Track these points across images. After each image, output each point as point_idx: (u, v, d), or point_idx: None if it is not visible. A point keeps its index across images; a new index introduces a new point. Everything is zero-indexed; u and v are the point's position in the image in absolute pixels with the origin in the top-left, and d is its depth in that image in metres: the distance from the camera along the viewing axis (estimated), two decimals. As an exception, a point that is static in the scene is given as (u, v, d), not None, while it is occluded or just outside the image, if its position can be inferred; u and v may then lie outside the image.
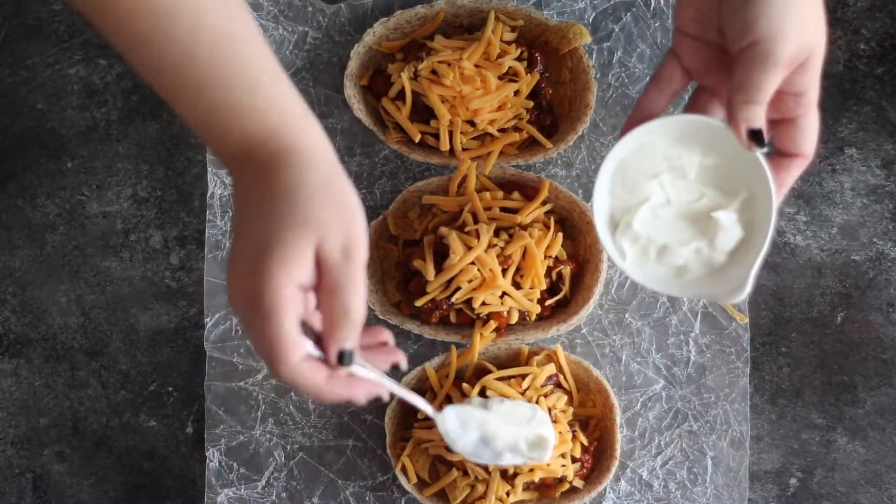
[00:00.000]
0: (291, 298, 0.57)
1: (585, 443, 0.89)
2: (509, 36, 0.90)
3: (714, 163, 0.71)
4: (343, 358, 0.60)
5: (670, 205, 0.72)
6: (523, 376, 0.88)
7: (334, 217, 0.58)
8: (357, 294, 0.59)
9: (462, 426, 0.80)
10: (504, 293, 0.87)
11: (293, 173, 0.59)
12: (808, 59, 0.65)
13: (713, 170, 0.71)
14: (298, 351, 0.58)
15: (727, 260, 0.72)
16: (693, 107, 0.72)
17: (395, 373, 0.65)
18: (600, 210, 0.72)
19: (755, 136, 0.65)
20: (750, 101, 0.64)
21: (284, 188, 0.58)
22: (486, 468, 0.86)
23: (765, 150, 0.66)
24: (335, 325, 0.59)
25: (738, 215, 0.71)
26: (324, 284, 0.59)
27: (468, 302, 0.88)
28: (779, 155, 0.69)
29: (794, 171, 0.69)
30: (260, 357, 0.58)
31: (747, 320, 0.93)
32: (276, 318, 0.57)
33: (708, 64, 0.70)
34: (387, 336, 0.66)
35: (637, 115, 0.71)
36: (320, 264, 0.59)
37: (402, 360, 0.65)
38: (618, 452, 0.89)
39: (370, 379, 0.63)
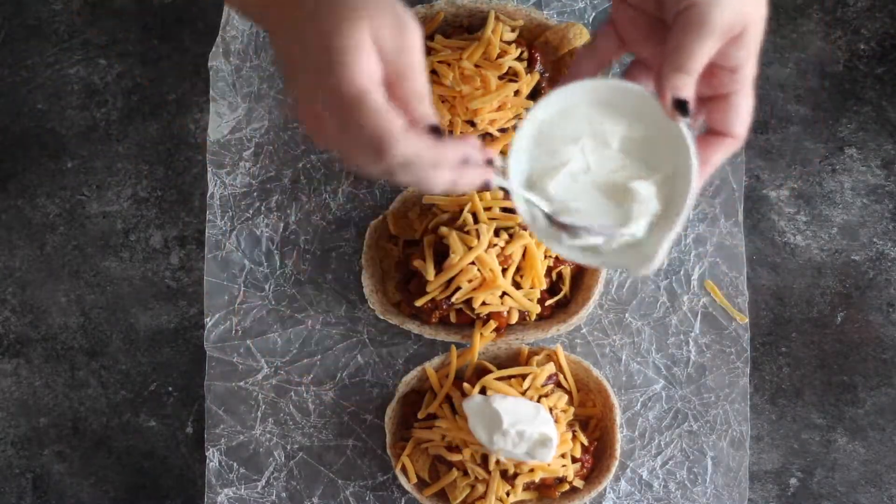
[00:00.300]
0: (375, 81, 0.56)
1: (586, 443, 0.89)
2: (509, 36, 0.90)
3: (640, 135, 0.69)
4: (435, 131, 0.59)
5: (589, 172, 0.70)
6: (524, 376, 0.88)
7: (380, 4, 0.57)
8: (420, 77, 0.58)
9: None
10: (504, 293, 0.87)
11: None
12: (744, 31, 0.63)
13: (638, 142, 0.69)
14: (401, 120, 0.57)
15: (644, 233, 0.70)
16: (626, 79, 0.71)
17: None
18: (516, 171, 0.70)
19: (680, 106, 0.63)
20: (680, 69, 0.63)
21: None
22: (486, 468, 0.86)
23: (688, 120, 0.65)
24: (416, 109, 0.59)
25: (658, 188, 0.68)
26: (387, 75, 0.58)
27: (468, 302, 0.88)
28: (709, 133, 0.67)
29: (723, 151, 0.67)
30: (366, 159, 0.57)
31: (747, 320, 0.93)
32: (370, 100, 0.56)
33: (645, 34, 0.68)
34: (470, 147, 0.62)
35: (565, 82, 0.69)
36: (379, 55, 0.57)
37: (497, 159, 0.63)
38: (618, 452, 0.89)
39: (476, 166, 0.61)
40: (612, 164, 0.69)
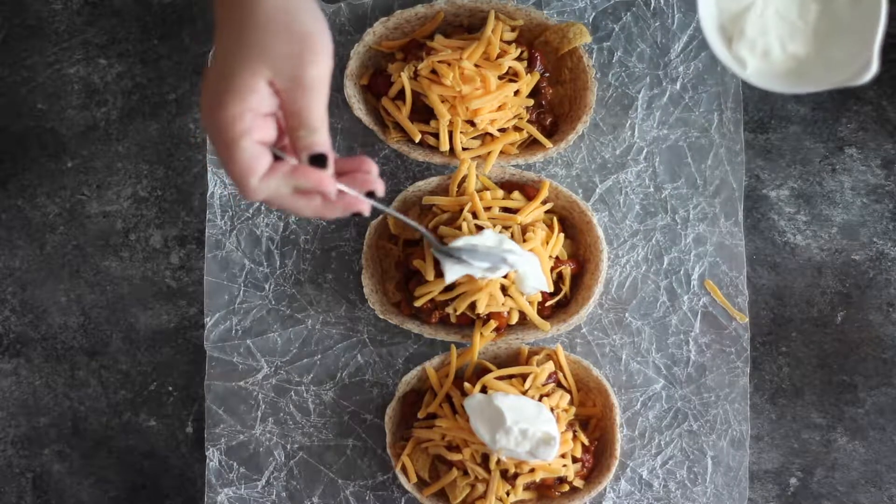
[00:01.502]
0: (248, 127, 0.63)
1: (586, 442, 0.89)
2: (509, 36, 0.90)
3: None
4: (316, 161, 0.66)
5: (770, 5, 0.73)
6: (524, 376, 0.88)
7: (282, 47, 0.64)
8: (311, 114, 0.65)
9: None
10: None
11: (246, 6, 0.64)
12: None
13: None
14: (256, 174, 0.65)
15: (841, 49, 0.72)
16: None
17: (373, 198, 0.70)
18: (710, 25, 0.73)
19: None
20: None
21: (238, 21, 0.64)
22: (486, 468, 0.86)
23: None
24: (297, 140, 0.65)
25: (851, 6, 0.71)
26: (283, 110, 0.65)
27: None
28: None
29: None
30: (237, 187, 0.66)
31: (747, 320, 0.93)
32: (234, 147, 0.63)
33: None
34: (370, 166, 0.70)
35: None
36: (276, 93, 0.65)
37: (379, 188, 0.70)
38: (618, 452, 0.89)
39: (350, 195, 0.68)
40: None
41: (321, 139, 0.65)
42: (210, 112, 0.64)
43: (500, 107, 0.89)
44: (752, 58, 0.76)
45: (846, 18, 0.73)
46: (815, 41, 0.75)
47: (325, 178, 0.66)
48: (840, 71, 0.73)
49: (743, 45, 0.75)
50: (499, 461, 0.86)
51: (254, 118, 0.64)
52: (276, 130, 0.67)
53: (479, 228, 0.87)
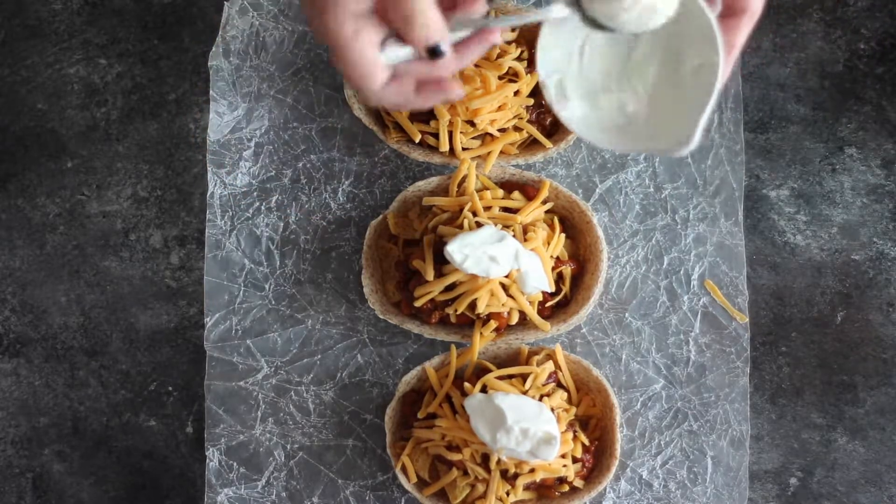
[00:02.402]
0: (358, 30, 0.61)
1: (587, 442, 0.89)
2: (509, 36, 0.90)
3: (667, 29, 0.71)
4: (434, 53, 0.62)
5: (611, 57, 0.72)
6: (524, 376, 0.88)
7: None
8: (407, 5, 0.61)
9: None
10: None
11: None
12: None
13: (664, 34, 0.71)
14: (377, 78, 0.62)
15: (673, 116, 0.71)
16: None
17: None
18: (549, 76, 0.72)
19: None
20: None
21: None
22: (486, 468, 0.86)
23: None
24: (409, 34, 0.62)
25: (686, 67, 0.70)
26: (386, 6, 0.61)
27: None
28: (725, 17, 0.68)
29: (743, 29, 0.68)
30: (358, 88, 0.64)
31: (747, 320, 0.93)
32: (348, 52, 0.61)
33: None
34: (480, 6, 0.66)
35: None
36: None
37: (496, 37, 0.66)
38: (618, 452, 0.89)
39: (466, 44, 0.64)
40: (629, 45, 0.72)
41: (425, 30, 0.62)
42: (315, 24, 0.62)
43: (500, 107, 0.89)
44: (581, 102, 0.74)
45: (685, 88, 0.71)
46: (650, 104, 0.73)
47: (449, 64, 0.63)
48: (663, 139, 0.71)
49: (575, 97, 0.73)
50: (499, 461, 0.86)
51: (361, 21, 0.61)
52: (382, 28, 0.63)
53: (480, 226, 0.87)
